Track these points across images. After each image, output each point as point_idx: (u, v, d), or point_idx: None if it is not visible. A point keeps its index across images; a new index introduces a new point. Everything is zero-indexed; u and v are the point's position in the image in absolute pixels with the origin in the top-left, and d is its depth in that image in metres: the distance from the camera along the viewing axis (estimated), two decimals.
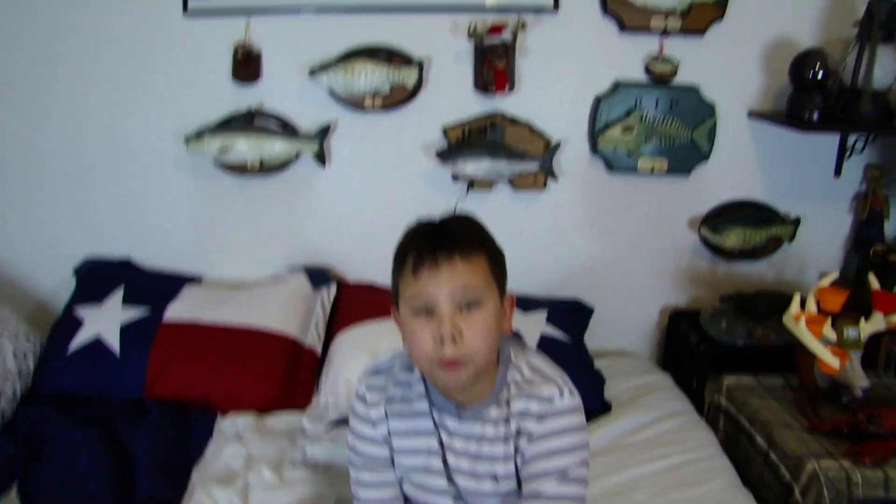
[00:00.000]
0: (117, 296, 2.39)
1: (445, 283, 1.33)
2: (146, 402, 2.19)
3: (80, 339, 2.28)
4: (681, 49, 2.51)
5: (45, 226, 2.57)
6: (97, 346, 2.26)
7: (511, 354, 1.48)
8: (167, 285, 2.48)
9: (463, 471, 1.46)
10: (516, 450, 1.43)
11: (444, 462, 1.47)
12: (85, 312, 2.35)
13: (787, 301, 2.28)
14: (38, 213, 2.56)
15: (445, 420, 1.46)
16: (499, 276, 1.42)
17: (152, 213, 2.58)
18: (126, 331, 2.29)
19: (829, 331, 2.09)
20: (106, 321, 2.31)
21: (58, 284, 2.58)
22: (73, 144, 2.50)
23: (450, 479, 1.48)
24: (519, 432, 1.42)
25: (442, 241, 1.36)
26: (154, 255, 2.60)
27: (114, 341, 2.26)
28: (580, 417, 1.44)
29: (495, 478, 1.45)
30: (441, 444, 1.47)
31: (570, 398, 1.43)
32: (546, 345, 2.30)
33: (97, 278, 2.49)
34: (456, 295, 1.33)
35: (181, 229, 2.60)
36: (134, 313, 2.33)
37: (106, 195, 2.56)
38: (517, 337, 1.59)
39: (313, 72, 2.39)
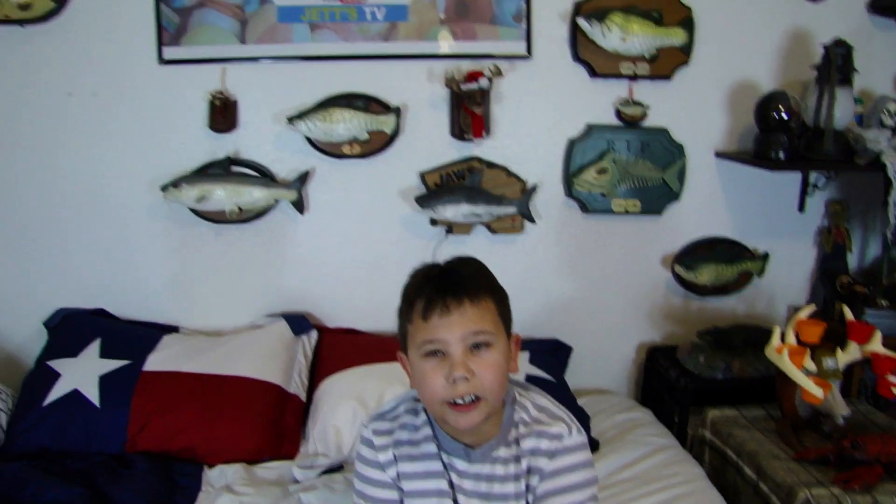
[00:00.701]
0: (94, 347, 2.34)
1: (456, 326, 1.35)
2: (129, 456, 2.13)
3: (57, 391, 2.22)
4: (650, 93, 2.59)
5: (14, 277, 2.53)
6: (75, 398, 2.20)
7: (515, 394, 1.50)
8: (145, 335, 2.44)
9: None
10: (527, 488, 1.44)
11: (455, 503, 1.47)
12: (60, 365, 2.29)
13: (761, 334, 2.33)
14: (7, 265, 2.52)
15: (454, 461, 1.47)
16: (505, 316, 1.45)
17: (127, 263, 2.55)
18: (105, 382, 2.24)
19: (809, 362, 2.14)
20: (84, 373, 2.26)
21: (27, 338, 2.53)
22: (45, 193, 2.48)
23: None
24: (530, 470, 1.44)
25: (451, 285, 1.38)
26: (129, 305, 2.57)
27: (93, 393, 2.21)
28: (588, 454, 1.47)
29: None
30: (451, 485, 1.47)
31: (577, 435, 1.45)
32: (532, 385, 2.30)
33: (72, 330, 2.43)
34: (467, 338, 1.36)
35: (157, 278, 2.57)
36: (112, 364, 2.28)
37: (78, 245, 2.52)
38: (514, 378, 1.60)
39: (291, 119, 2.41)
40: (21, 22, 2.33)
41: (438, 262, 1.46)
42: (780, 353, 2.14)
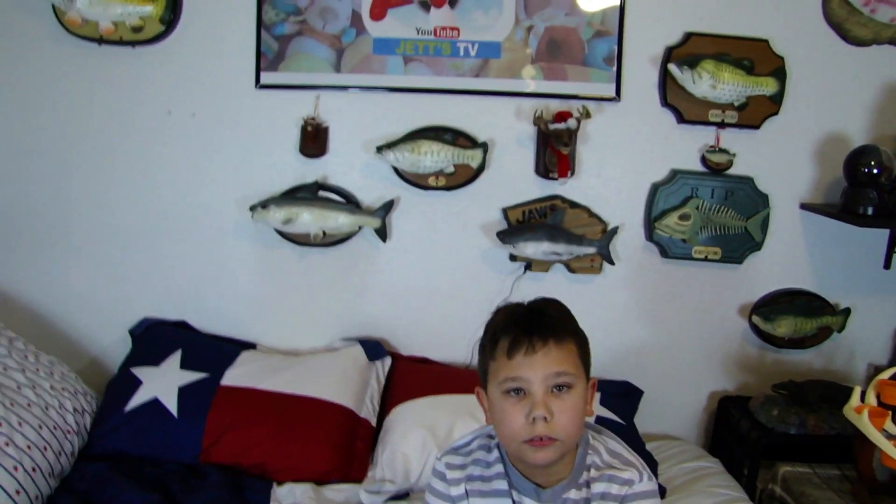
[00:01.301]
0: (175, 358, 2.40)
1: (540, 367, 1.37)
2: (202, 467, 2.19)
3: (138, 398, 2.28)
4: (737, 141, 2.58)
5: (105, 284, 2.61)
6: (155, 406, 2.27)
7: (589, 437, 1.51)
8: (224, 350, 2.50)
9: None
10: None
11: None
12: (142, 373, 2.36)
13: (838, 391, 2.29)
14: (99, 272, 2.60)
15: (525, 500, 1.47)
16: (586, 360, 1.46)
17: (212, 278, 2.61)
18: (184, 393, 2.30)
19: (890, 425, 2.09)
20: (164, 383, 2.32)
21: (112, 343, 2.61)
22: (140, 206, 2.56)
23: None
24: None
25: (537, 325, 1.39)
26: (211, 319, 2.63)
27: (172, 403, 2.27)
28: (658, 501, 1.47)
29: None
30: None
31: (648, 482, 1.46)
32: (601, 426, 2.30)
33: (155, 339, 2.51)
34: (549, 379, 1.37)
35: (240, 295, 2.63)
36: (192, 376, 2.35)
37: (167, 257, 2.60)
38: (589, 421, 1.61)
39: (380, 149, 2.45)
40: (133, 43, 2.43)
41: (523, 301, 1.48)
42: (860, 413, 2.10)
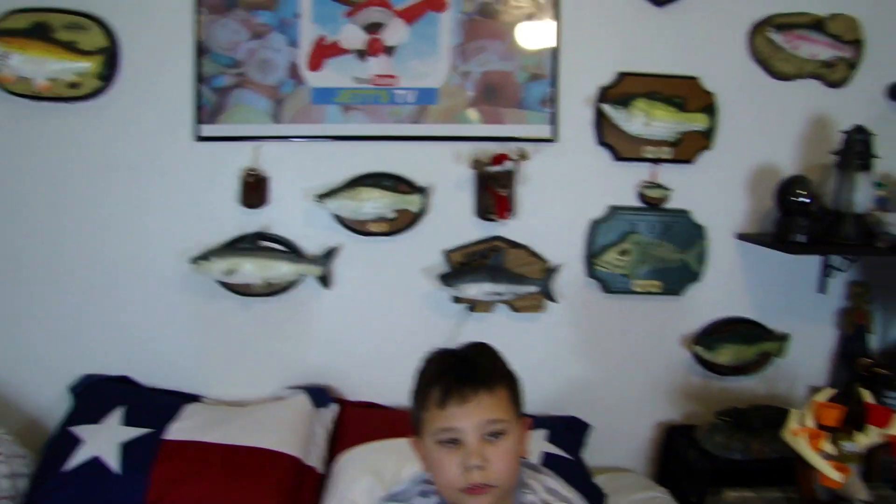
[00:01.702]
0: (117, 414, 2.37)
1: (473, 416, 1.39)
2: None
3: (78, 458, 2.24)
4: (672, 176, 2.64)
5: (43, 341, 2.56)
6: (96, 465, 2.23)
7: (524, 476, 1.53)
8: (168, 404, 2.47)
9: None
10: None
11: None
12: (82, 431, 2.32)
13: (780, 415, 2.33)
14: (39, 328, 2.56)
15: None
16: (518, 402, 1.49)
17: (154, 331, 2.58)
18: (127, 450, 2.26)
19: (827, 445, 2.14)
20: (105, 440, 2.29)
21: (50, 401, 2.55)
22: (80, 261, 2.53)
23: None
24: None
25: (468, 374, 1.41)
26: (154, 373, 2.59)
27: (114, 461, 2.24)
28: None
29: None
30: None
31: None
32: (549, 462, 2.31)
33: (96, 396, 2.47)
34: (483, 427, 1.39)
35: (182, 348, 2.61)
36: (134, 432, 2.31)
37: (107, 312, 2.57)
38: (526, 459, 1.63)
39: (320, 197, 2.47)
40: (69, 99, 2.42)
41: (453, 348, 1.49)
42: (798, 435, 2.15)
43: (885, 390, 2.56)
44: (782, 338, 2.78)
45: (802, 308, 2.80)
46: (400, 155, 2.55)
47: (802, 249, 2.54)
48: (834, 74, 2.69)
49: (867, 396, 2.28)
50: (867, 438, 2.21)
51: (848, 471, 2.13)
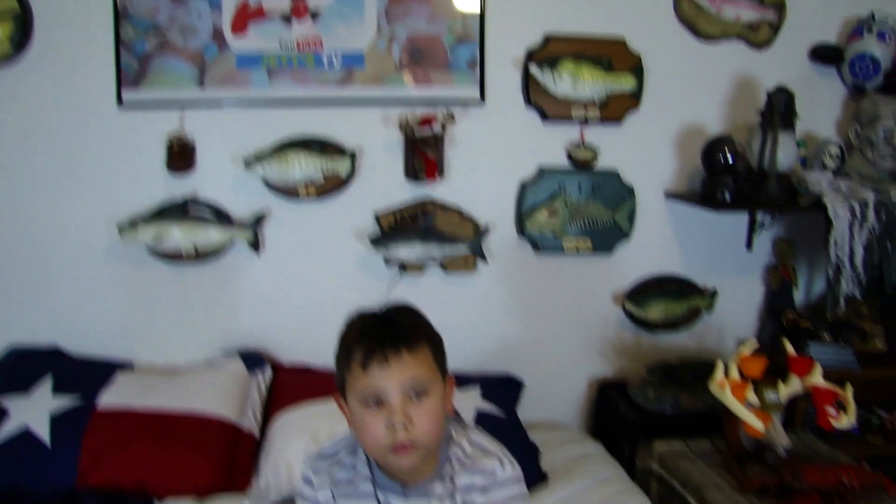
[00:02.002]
0: (46, 384, 2.34)
1: (395, 376, 1.39)
2: (78, 493, 2.14)
3: (7, 430, 2.22)
4: (600, 136, 2.68)
5: None
6: (25, 436, 2.20)
7: (452, 432, 1.54)
8: (98, 372, 2.45)
9: None
10: None
11: None
12: (10, 403, 2.29)
13: (709, 368, 2.38)
14: None
15: (391, 500, 1.49)
16: (441, 362, 1.49)
17: (82, 301, 2.55)
18: (56, 420, 2.24)
19: (751, 395, 2.20)
20: (34, 411, 2.26)
21: None
22: (2, 233, 2.49)
23: None
24: None
25: (389, 335, 1.41)
26: (84, 343, 2.56)
27: (43, 431, 2.21)
28: (522, 487, 1.51)
29: None
30: None
31: (511, 469, 1.49)
32: (482, 419, 2.36)
33: (24, 367, 2.43)
34: (405, 387, 1.39)
35: (112, 316, 2.58)
36: (64, 402, 2.29)
37: (33, 283, 2.53)
38: (455, 414, 1.64)
39: (248, 163, 2.45)
40: None
41: (375, 310, 1.49)
42: (723, 387, 2.20)
43: (809, 342, 2.64)
44: (711, 294, 2.84)
45: (730, 265, 2.87)
46: (328, 119, 2.54)
47: (728, 207, 2.60)
48: (758, 36, 2.75)
49: (789, 348, 2.35)
50: (789, 388, 2.28)
51: (770, 419, 2.19)
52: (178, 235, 2.44)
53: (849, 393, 2.20)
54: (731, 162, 2.56)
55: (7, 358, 2.50)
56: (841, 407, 2.23)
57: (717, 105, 2.77)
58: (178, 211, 2.47)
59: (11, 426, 2.23)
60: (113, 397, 2.33)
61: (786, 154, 2.54)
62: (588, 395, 2.89)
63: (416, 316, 1.50)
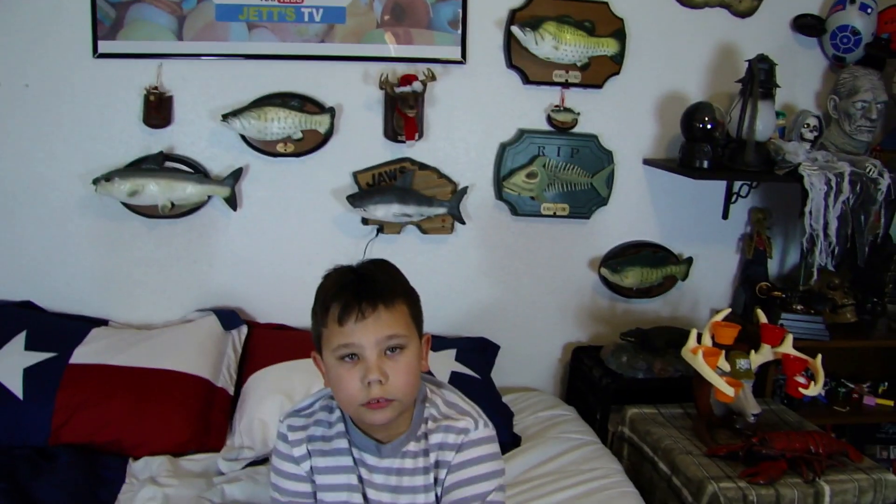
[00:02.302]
0: (19, 339, 2.31)
1: (371, 332, 1.39)
2: (52, 449, 2.12)
3: None
4: (581, 101, 2.67)
5: None
6: None
7: (427, 391, 1.54)
8: (72, 329, 2.43)
9: None
10: (436, 481, 1.49)
11: (364, 497, 1.51)
12: None
13: (682, 336, 2.41)
14: None
15: (365, 457, 1.51)
16: (417, 318, 1.49)
17: (56, 255, 2.53)
18: (30, 375, 2.21)
19: (723, 363, 2.23)
20: (7, 365, 2.23)
21: None
22: None
23: None
24: (437, 464, 1.49)
25: (366, 291, 1.40)
26: (57, 298, 2.55)
27: (16, 386, 2.19)
28: (495, 446, 1.52)
29: None
30: (360, 480, 1.51)
31: (484, 429, 1.50)
32: (456, 381, 2.35)
33: None
34: (381, 343, 1.39)
35: (87, 271, 2.56)
36: (38, 357, 2.26)
37: (6, 236, 2.50)
38: (429, 374, 1.65)
39: (226, 117, 2.42)
40: None
41: (351, 265, 1.48)
42: (695, 353, 2.22)
43: (781, 312, 2.67)
44: (686, 261, 2.86)
45: (706, 233, 2.89)
46: (307, 75, 2.51)
47: (705, 174, 2.61)
48: (741, 4, 2.74)
49: (761, 317, 2.38)
50: (760, 356, 2.31)
51: (740, 386, 2.22)
52: (155, 190, 2.41)
53: (818, 362, 2.23)
54: (709, 129, 2.56)
55: None
56: (810, 376, 2.27)
57: (698, 72, 2.76)
58: (155, 165, 2.43)
59: None
60: (87, 353, 2.31)
61: (764, 124, 2.55)
62: (562, 360, 2.91)
63: (393, 272, 1.50)
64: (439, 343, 2.54)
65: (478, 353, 2.62)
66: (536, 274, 2.80)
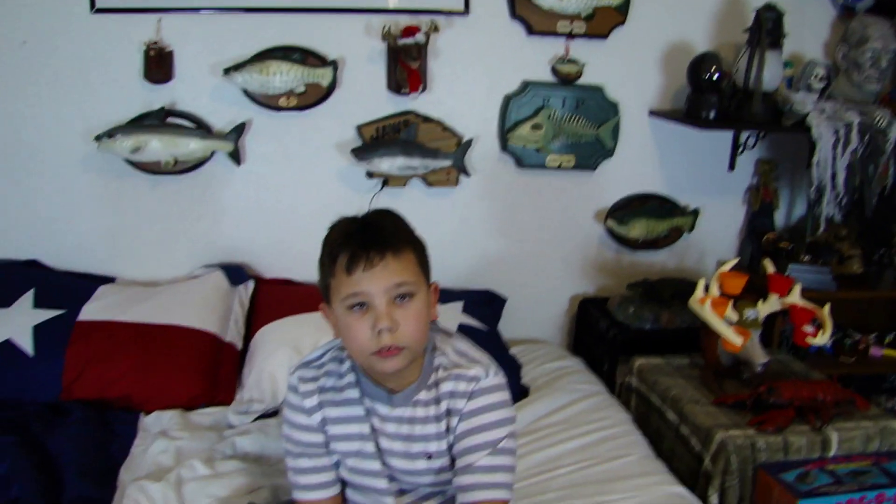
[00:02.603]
0: (27, 297, 2.31)
1: (380, 280, 1.37)
2: (64, 405, 2.14)
3: None
4: (586, 51, 2.63)
5: None
6: (8, 348, 2.18)
7: (436, 340, 1.54)
8: (80, 285, 2.43)
9: (396, 453, 1.51)
10: (447, 428, 1.49)
11: (377, 446, 1.52)
12: None
13: (689, 287, 2.41)
14: None
15: (377, 406, 1.51)
16: (425, 266, 1.48)
17: (61, 214, 2.52)
18: (39, 332, 2.22)
19: (731, 312, 2.22)
20: (16, 323, 2.24)
21: None
22: None
23: (383, 462, 1.52)
24: (449, 412, 1.49)
25: (373, 239, 1.39)
26: (63, 256, 2.54)
27: (26, 343, 2.20)
28: (506, 394, 1.51)
29: (429, 456, 1.50)
30: (373, 429, 1.51)
31: (494, 376, 1.50)
32: (464, 333, 2.34)
33: (4, 280, 2.39)
34: (390, 291, 1.38)
35: (92, 229, 2.55)
36: (47, 314, 2.27)
37: (10, 196, 2.48)
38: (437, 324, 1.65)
39: (227, 71, 2.39)
40: None
41: (357, 215, 1.47)
42: (703, 303, 2.22)
43: (788, 263, 2.67)
44: (692, 213, 2.85)
45: (713, 185, 2.87)
46: (309, 28, 2.47)
47: (711, 125, 2.58)
48: None
49: (770, 267, 2.37)
50: (768, 306, 2.30)
51: (748, 336, 2.22)
52: (158, 146, 2.39)
53: (826, 311, 2.23)
54: (716, 79, 2.54)
55: None
56: (818, 326, 2.26)
57: (704, 22, 2.72)
58: (157, 121, 2.41)
59: None
60: (95, 310, 2.31)
61: (772, 74, 2.51)
62: (568, 312, 2.92)
63: (399, 220, 1.49)
64: (446, 295, 2.53)
65: (484, 305, 2.63)
66: (542, 226, 2.79)
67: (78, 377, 2.18)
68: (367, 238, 1.39)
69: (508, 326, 2.68)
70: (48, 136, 2.45)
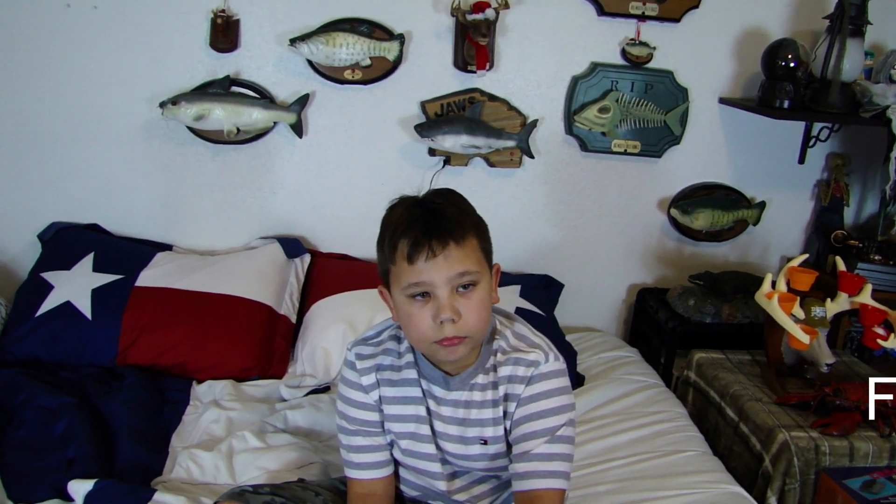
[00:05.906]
0: (87, 261, 2.34)
1: (442, 270, 1.33)
2: (119, 369, 2.16)
3: (50, 303, 2.22)
4: (657, 35, 2.56)
5: (10, 189, 2.49)
6: (68, 310, 2.21)
7: (496, 323, 1.50)
8: (139, 251, 2.45)
9: (451, 436, 1.49)
10: (505, 414, 1.46)
11: (432, 429, 1.49)
12: (53, 277, 2.29)
13: (752, 281, 2.35)
14: (2, 176, 2.48)
15: (433, 388, 1.48)
16: (487, 250, 1.43)
17: (122, 179, 2.52)
18: (98, 296, 2.24)
19: (797, 310, 2.16)
20: (76, 286, 2.26)
21: (20, 250, 2.53)
22: (41, 106, 2.43)
23: (437, 445, 1.50)
24: (507, 397, 1.45)
25: (435, 227, 1.34)
26: (123, 222, 2.56)
27: (85, 306, 2.22)
28: (565, 380, 1.47)
29: (484, 441, 1.48)
30: (429, 411, 1.49)
31: (554, 362, 1.46)
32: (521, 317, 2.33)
33: (65, 243, 2.43)
34: (453, 280, 1.34)
35: (152, 196, 2.55)
36: (105, 278, 2.29)
37: (74, 160, 2.49)
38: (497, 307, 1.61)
39: (293, 41, 2.37)
40: None
41: (418, 196, 1.42)
42: (770, 298, 2.15)
43: (857, 262, 2.58)
44: (759, 206, 2.77)
45: (781, 177, 2.78)
46: (377, 0, 2.43)
47: (785, 115, 2.50)
48: None
49: (840, 264, 2.29)
50: (837, 305, 2.23)
51: (815, 334, 2.15)
52: (221, 115, 2.38)
53: None
54: (792, 67, 2.45)
55: (50, 234, 2.48)
56: (889, 328, 2.18)
57: (782, 7, 2.63)
58: (222, 89, 2.40)
59: (54, 299, 2.23)
60: (152, 277, 2.33)
61: (852, 63, 2.42)
62: (626, 301, 2.86)
63: (461, 203, 1.44)
64: (504, 279, 2.46)
65: (542, 290, 2.59)
66: (604, 212, 2.74)
67: (133, 342, 2.20)
68: (429, 226, 1.34)
69: (565, 313, 2.64)
70: (113, 101, 2.45)
